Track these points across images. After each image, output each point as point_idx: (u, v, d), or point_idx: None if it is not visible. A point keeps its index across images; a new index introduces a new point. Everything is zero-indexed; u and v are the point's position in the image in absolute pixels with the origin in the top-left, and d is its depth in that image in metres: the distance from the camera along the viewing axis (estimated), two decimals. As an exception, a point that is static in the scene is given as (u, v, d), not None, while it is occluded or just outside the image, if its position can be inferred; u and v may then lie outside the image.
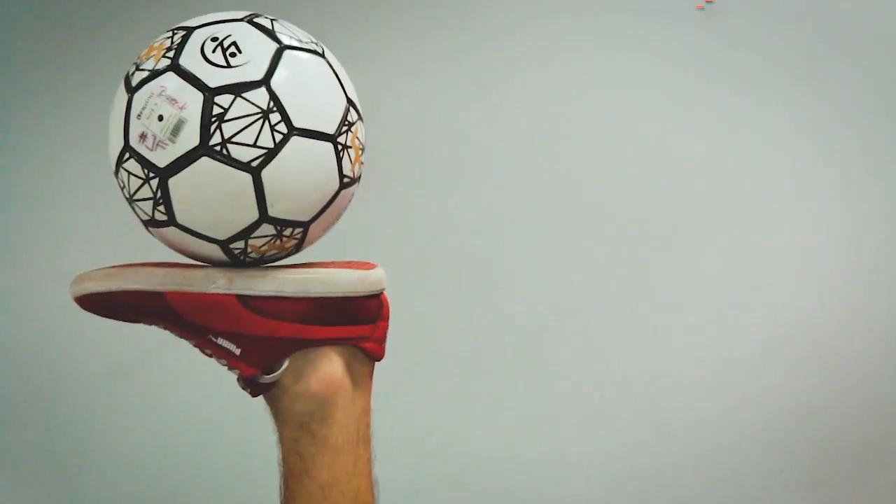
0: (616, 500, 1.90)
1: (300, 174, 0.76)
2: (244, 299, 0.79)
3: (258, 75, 0.75)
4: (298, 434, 0.80)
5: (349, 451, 0.80)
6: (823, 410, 1.87)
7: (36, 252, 2.02)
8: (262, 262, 0.82)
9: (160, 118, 0.74)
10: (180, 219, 0.77)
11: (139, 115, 0.76)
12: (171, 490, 1.97)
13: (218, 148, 0.73)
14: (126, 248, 1.99)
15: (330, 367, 0.81)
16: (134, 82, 0.78)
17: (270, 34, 0.79)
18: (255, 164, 0.74)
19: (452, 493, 1.91)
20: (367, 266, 0.83)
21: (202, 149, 0.73)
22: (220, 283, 0.79)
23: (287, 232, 0.79)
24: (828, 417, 1.87)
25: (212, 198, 0.75)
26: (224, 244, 0.78)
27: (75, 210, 2.02)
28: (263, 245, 0.79)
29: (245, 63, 0.75)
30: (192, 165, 0.74)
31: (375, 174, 1.96)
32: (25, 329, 2.00)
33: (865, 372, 1.87)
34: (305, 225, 0.79)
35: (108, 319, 0.84)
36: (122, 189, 0.80)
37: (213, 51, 0.75)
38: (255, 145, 0.74)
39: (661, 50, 1.92)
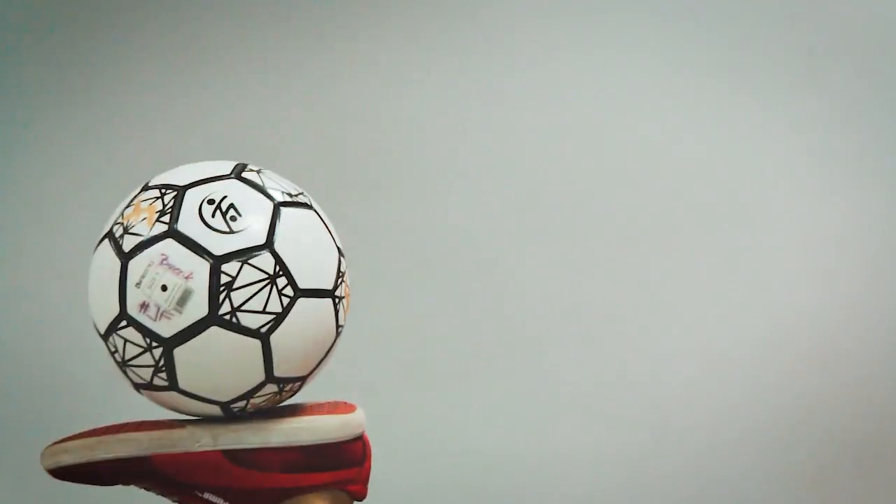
0: (616, 500, 1.90)
1: (305, 334, 0.78)
2: (231, 454, 0.79)
3: (261, 239, 0.74)
4: None
5: None
6: (823, 410, 1.87)
7: (36, 252, 2.01)
8: (251, 414, 0.82)
9: (164, 288, 0.73)
10: (182, 384, 0.76)
11: (138, 284, 0.73)
12: (171, 490, 1.97)
13: (227, 317, 0.73)
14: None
15: None
16: (126, 247, 0.75)
17: (262, 191, 0.78)
18: (264, 329, 0.75)
19: (452, 493, 1.91)
20: (347, 408, 0.85)
21: (211, 319, 0.73)
22: (205, 440, 0.79)
23: (287, 388, 0.81)
24: (828, 417, 1.87)
25: (219, 364, 0.75)
26: (225, 405, 0.78)
27: (75, 210, 2.01)
28: (263, 402, 0.80)
29: (246, 227, 0.74)
30: (201, 335, 0.73)
31: (375, 175, 1.96)
32: (25, 329, 2.00)
33: (865, 372, 1.87)
34: (304, 379, 0.82)
35: None
36: (114, 353, 0.78)
37: (213, 215, 0.75)
38: (264, 311, 0.74)
39: (660, 50, 1.92)
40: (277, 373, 0.77)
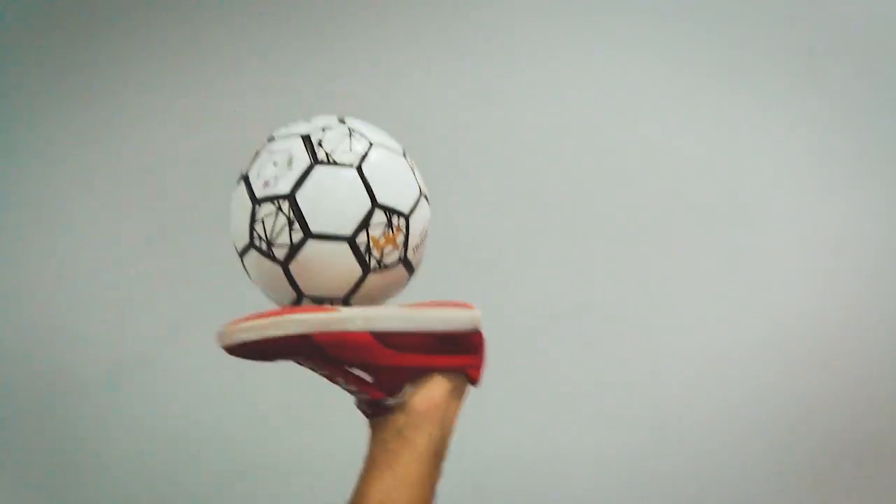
0: (616, 500, 1.90)
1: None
2: (379, 335, 0.93)
3: (337, 123, 0.99)
4: (392, 436, 0.94)
5: (429, 460, 0.94)
6: (823, 410, 1.87)
7: (36, 252, 2.02)
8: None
9: (274, 164, 0.95)
10: (313, 227, 0.92)
11: (258, 175, 0.96)
12: (172, 490, 1.97)
13: (325, 159, 0.94)
14: (126, 248, 2.00)
15: (436, 387, 0.96)
16: (256, 191, 0.96)
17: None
18: (356, 164, 0.94)
19: (452, 492, 1.91)
20: (466, 306, 1.01)
21: (313, 164, 0.94)
22: (358, 322, 0.92)
23: (396, 221, 0.96)
24: (828, 417, 1.87)
25: (332, 198, 0.93)
26: (352, 240, 0.93)
27: (75, 210, 2.02)
28: (381, 237, 0.95)
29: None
30: (310, 177, 0.93)
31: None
32: (25, 329, 2.00)
33: (865, 372, 1.87)
34: (408, 214, 0.97)
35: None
36: (260, 245, 0.94)
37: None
38: (350, 151, 0.95)
39: (660, 50, 1.92)
40: (380, 200, 0.93)
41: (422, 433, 0.94)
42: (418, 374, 0.95)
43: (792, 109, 1.89)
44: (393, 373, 0.94)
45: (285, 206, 0.92)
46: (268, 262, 0.93)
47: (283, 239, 0.91)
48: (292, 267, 0.92)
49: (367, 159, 0.94)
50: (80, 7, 2.03)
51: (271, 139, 1.00)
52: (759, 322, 1.88)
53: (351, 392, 0.96)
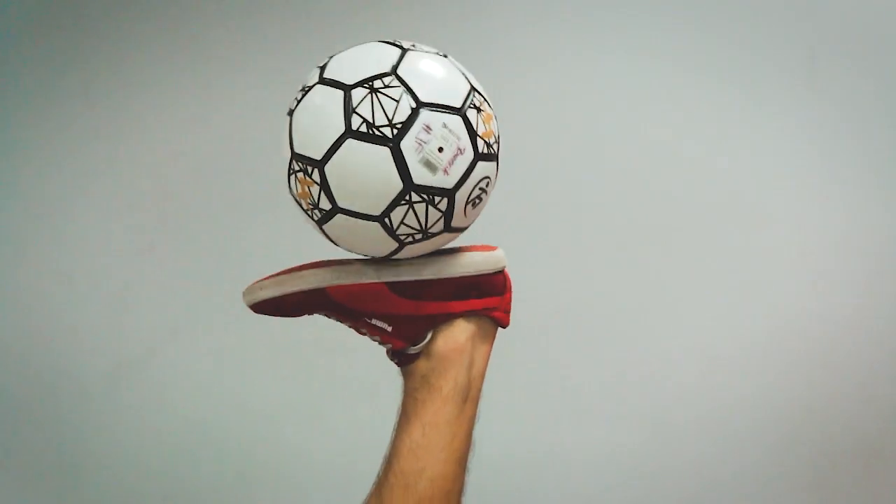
0: (616, 500, 1.90)
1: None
2: (392, 285, 0.93)
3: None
4: (419, 384, 0.94)
5: (456, 403, 0.93)
6: (823, 410, 1.87)
7: (36, 252, 2.02)
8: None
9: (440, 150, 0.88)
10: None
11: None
12: (172, 490, 1.97)
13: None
14: (126, 248, 2.00)
15: (458, 331, 0.95)
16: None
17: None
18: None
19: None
20: (489, 248, 1.01)
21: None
22: (371, 273, 0.93)
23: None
24: (828, 417, 1.87)
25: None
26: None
27: (75, 210, 2.02)
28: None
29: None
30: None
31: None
32: (25, 329, 2.00)
33: (865, 372, 1.87)
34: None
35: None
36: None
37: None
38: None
39: (661, 50, 1.92)
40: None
41: (446, 378, 0.94)
42: (439, 321, 0.95)
43: (792, 109, 1.89)
44: (411, 321, 0.94)
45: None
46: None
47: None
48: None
49: None
50: (80, 7, 2.03)
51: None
52: (760, 322, 1.88)
53: (377, 342, 0.96)
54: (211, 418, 1.96)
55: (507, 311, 1.02)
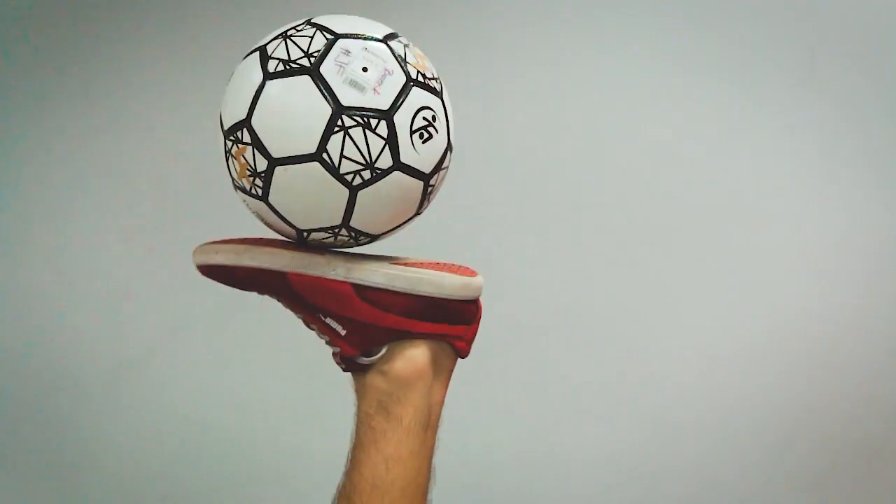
0: (616, 500, 1.90)
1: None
2: (359, 288, 0.86)
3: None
4: (374, 410, 0.87)
5: (417, 434, 0.87)
6: (823, 410, 1.87)
7: (36, 252, 2.01)
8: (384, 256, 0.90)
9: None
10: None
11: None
12: (171, 490, 1.97)
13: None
14: (126, 248, 2.00)
15: (419, 354, 0.89)
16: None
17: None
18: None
19: (452, 492, 1.91)
20: (469, 272, 0.92)
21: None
22: (340, 270, 0.86)
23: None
24: (828, 417, 1.87)
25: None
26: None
27: (75, 210, 2.02)
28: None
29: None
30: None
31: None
32: (25, 329, 2.00)
33: (865, 372, 1.87)
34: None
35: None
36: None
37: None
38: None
39: (661, 50, 1.92)
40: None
41: (405, 406, 0.87)
42: (395, 337, 0.88)
43: (792, 109, 1.89)
44: (369, 330, 0.87)
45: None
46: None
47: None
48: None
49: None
50: (79, 7, 2.03)
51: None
52: (760, 322, 1.88)
53: (324, 342, 0.90)
54: (211, 418, 1.96)
55: (470, 343, 0.94)
